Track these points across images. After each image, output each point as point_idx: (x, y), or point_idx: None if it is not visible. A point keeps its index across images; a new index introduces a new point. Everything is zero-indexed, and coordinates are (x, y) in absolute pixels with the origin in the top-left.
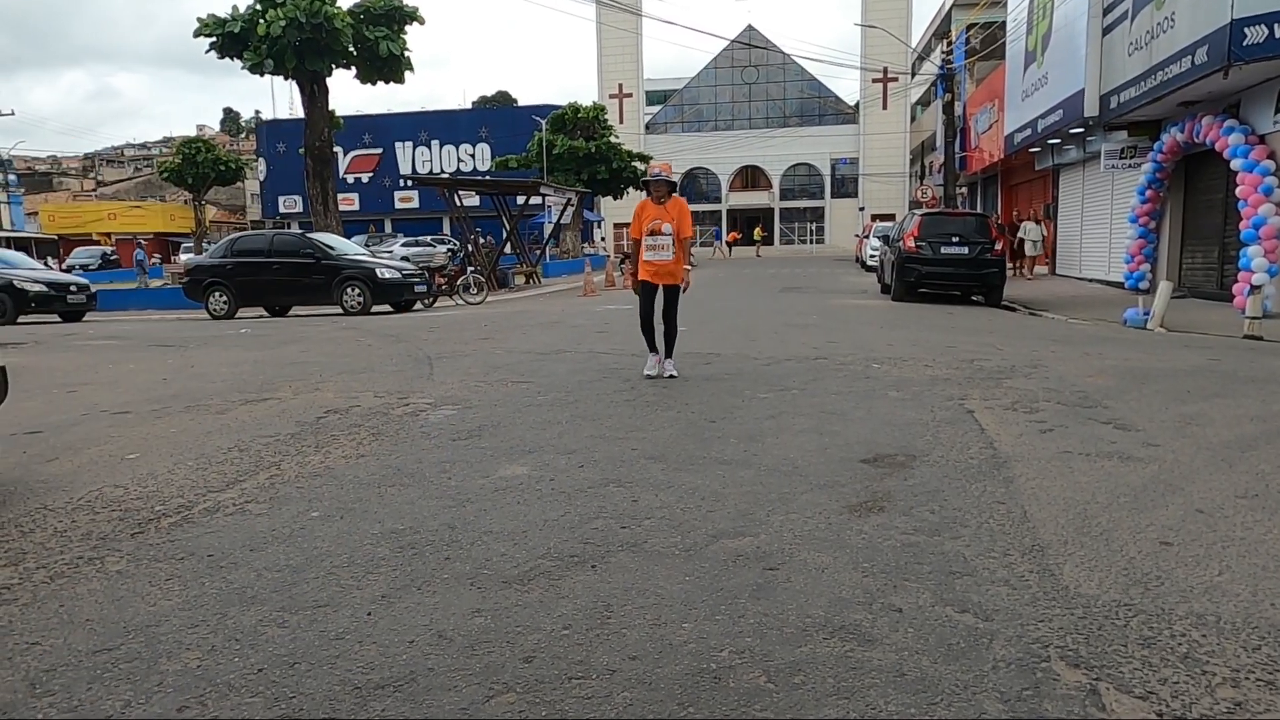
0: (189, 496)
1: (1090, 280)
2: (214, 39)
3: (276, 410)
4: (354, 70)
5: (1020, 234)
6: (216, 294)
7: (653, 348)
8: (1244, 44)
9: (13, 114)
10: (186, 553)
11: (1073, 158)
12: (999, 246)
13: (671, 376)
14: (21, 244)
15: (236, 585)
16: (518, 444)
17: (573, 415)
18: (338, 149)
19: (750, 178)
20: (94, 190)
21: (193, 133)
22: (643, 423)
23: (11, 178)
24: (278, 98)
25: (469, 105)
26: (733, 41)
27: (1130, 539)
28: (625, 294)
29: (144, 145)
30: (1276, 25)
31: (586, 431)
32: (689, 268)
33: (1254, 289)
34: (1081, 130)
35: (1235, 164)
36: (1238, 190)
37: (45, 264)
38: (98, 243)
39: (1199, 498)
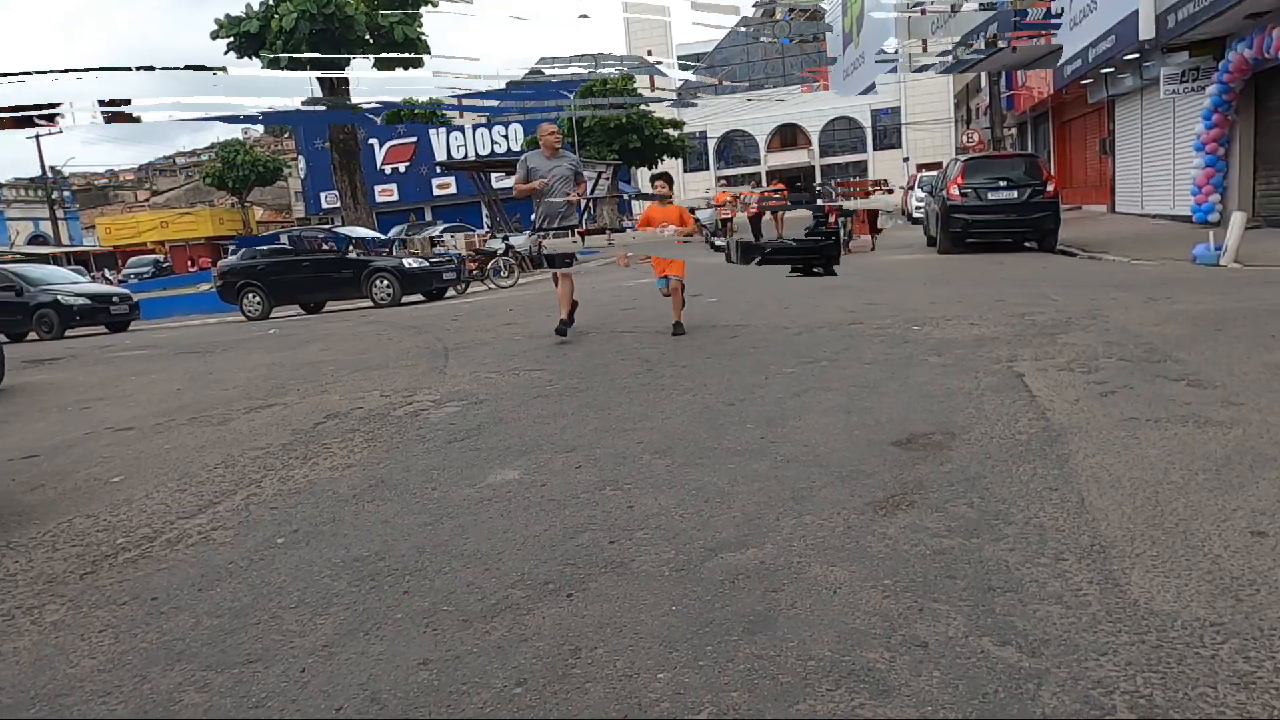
0: (157, 525)
1: (1153, 216)
2: (231, 39)
3: (277, 418)
4: (371, 59)
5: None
6: (250, 295)
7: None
8: None
9: (60, 132)
10: (131, 596)
11: (1128, 86)
12: (1051, 188)
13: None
14: (81, 257)
15: (170, 636)
16: (515, 443)
17: (580, 405)
18: (373, 140)
19: (789, 136)
20: (147, 200)
21: (238, 136)
22: (653, 410)
23: (67, 194)
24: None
25: (502, 86)
26: None
27: (1214, 530)
28: None
29: (193, 152)
30: None
31: (592, 424)
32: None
33: None
34: (1137, 55)
35: None
36: None
37: (104, 276)
38: (152, 252)
39: None
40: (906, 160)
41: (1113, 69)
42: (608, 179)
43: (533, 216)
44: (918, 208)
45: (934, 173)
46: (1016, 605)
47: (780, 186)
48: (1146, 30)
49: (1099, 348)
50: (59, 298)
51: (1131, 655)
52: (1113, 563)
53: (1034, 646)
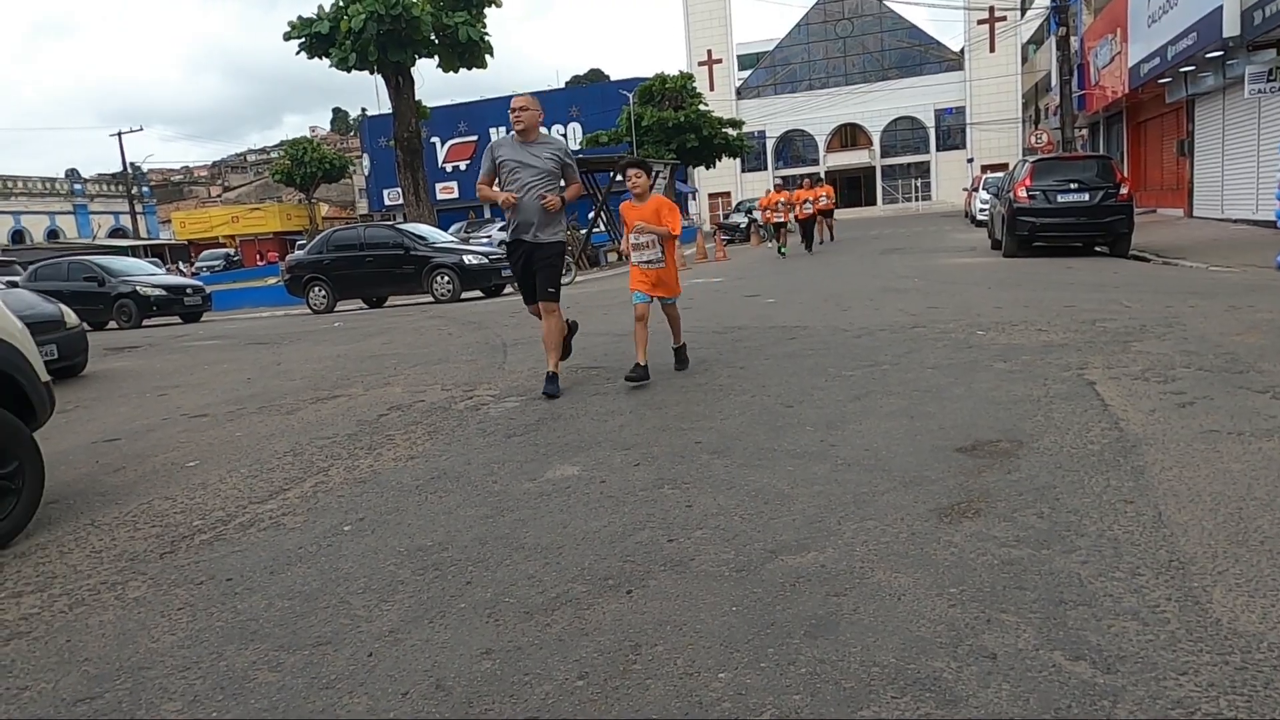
0: (230, 509)
1: (1235, 221)
2: (302, 40)
3: (343, 408)
4: (436, 59)
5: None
6: (316, 289)
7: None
8: None
9: (141, 129)
10: (207, 575)
11: (1210, 85)
12: (1124, 190)
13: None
14: (157, 250)
15: (244, 616)
16: (574, 439)
17: (637, 404)
18: (435, 139)
19: (849, 136)
20: (219, 195)
21: (306, 134)
22: (711, 410)
23: (145, 190)
24: (381, 94)
25: (561, 85)
26: None
27: None
28: (715, 266)
29: (264, 150)
30: None
31: (650, 422)
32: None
33: None
34: (1220, 53)
35: None
36: None
37: (178, 268)
38: (223, 245)
39: None
40: (971, 161)
41: (1193, 67)
42: (665, 178)
43: (504, 221)
44: (982, 210)
45: (1000, 174)
46: (1090, 620)
47: (823, 191)
48: (1231, 27)
49: (1176, 357)
50: (137, 288)
51: (1214, 676)
52: (1193, 580)
53: (1109, 663)
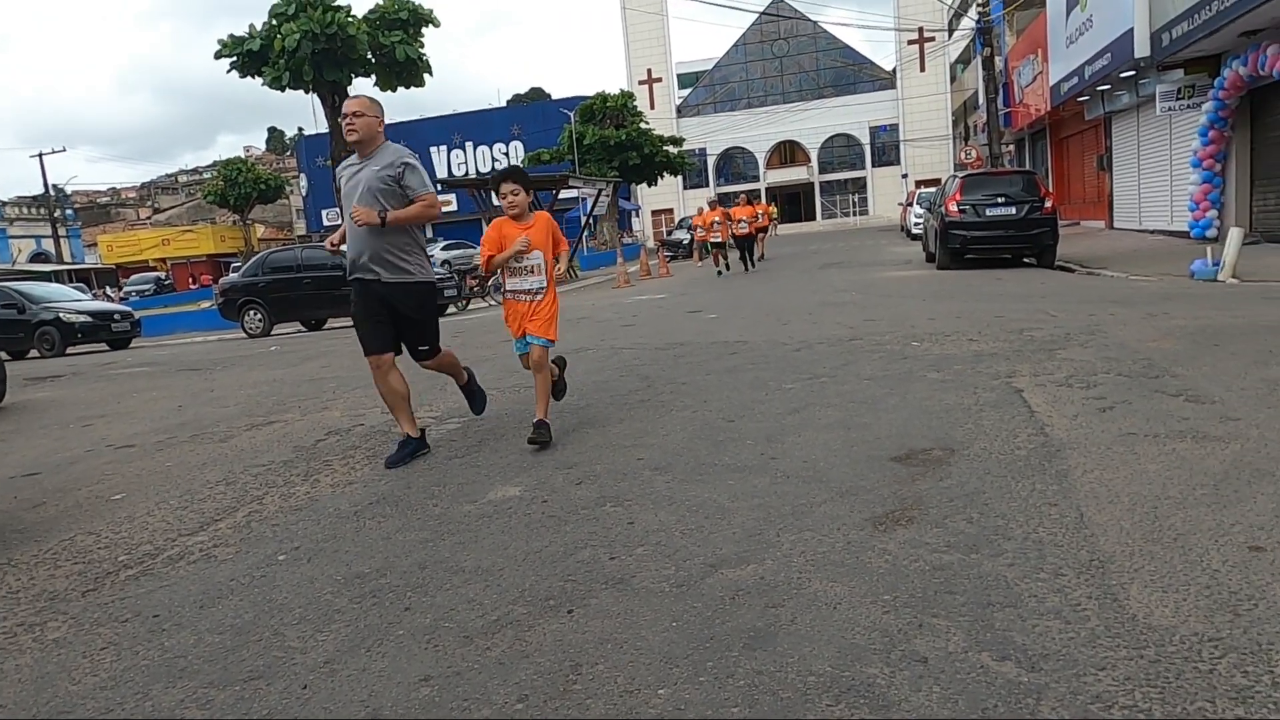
0: (158, 542)
1: (1151, 232)
2: (234, 59)
3: (279, 434)
4: (373, 78)
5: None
6: (251, 312)
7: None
8: None
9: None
10: (133, 613)
11: (1125, 103)
12: (1049, 204)
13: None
14: (82, 275)
15: (172, 653)
16: (516, 460)
17: (580, 421)
18: None
19: (787, 153)
20: (149, 218)
21: (241, 154)
22: (653, 426)
23: (69, 212)
24: (318, 112)
25: (503, 104)
26: (761, 14)
27: (1212, 544)
28: (658, 283)
29: (195, 170)
30: None
31: (592, 440)
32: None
33: None
34: (1133, 73)
35: None
36: None
37: (105, 293)
38: (153, 269)
39: None
40: (905, 177)
41: (1109, 86)
42: (608, 196)
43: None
44: (916, 224)
45: (933, 189)
46: (1016, 620)
47: (761, 208)
48: (1142, 48)
49: (1097, 363)
50: (60, 315)
51: (1130, 670)
52: (1111, 578)
53: (1033, 661)
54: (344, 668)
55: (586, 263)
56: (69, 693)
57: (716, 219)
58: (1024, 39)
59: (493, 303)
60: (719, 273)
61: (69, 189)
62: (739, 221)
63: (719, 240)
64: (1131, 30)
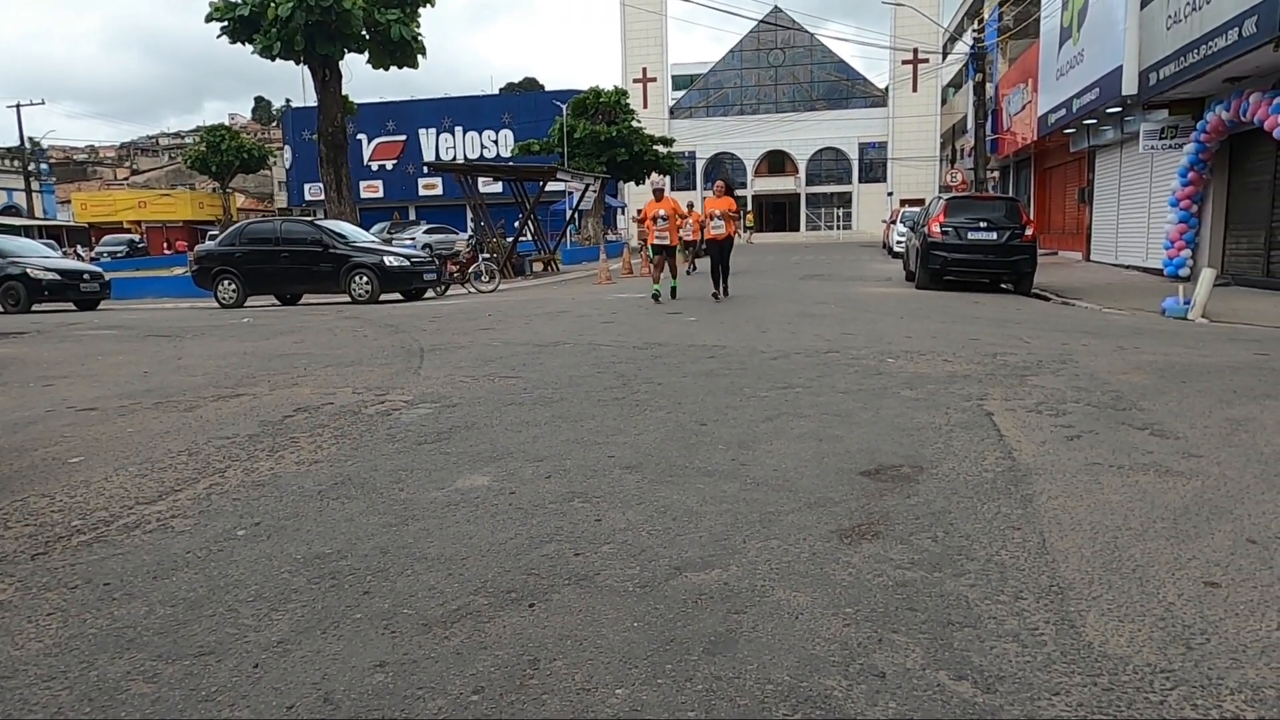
0: (114, 509)
1: (1127, 267)
2: (225, 23)
3: (246, 407)
4: (366, 55)
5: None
6: (225, 282)
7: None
8: None
9: (43, 103)
10: (83, 579)
11: (1109, 139)
12: (1029, 232)
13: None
14: (53, 232)
15: (121, 623)
16: (486, 449)
17: (553, 416)
18: (361, 136)
19: (776, 163)
20: (127, 179)
21: (226, 121)
22: (627, 425)
23: (44, 167)
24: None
25: (496, 92)
26: (760, 23)
27: (1169, 577)
28: (639, 282)
29: (178, 134)
30: None
31: (564, 435)
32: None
33: None
34: (1119, 110)
35: None
36: None
37: (75, 252)
38: (128, 231)
39: (1250, 523)
40: (890, 195)
41: (1095, 120)
42: (595, 191)
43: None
44: (899, 242)
45: (917, 209)
46: (974, 641)
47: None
48: (1130, 86)
49: (1068, 392)
50: (28, 270)
51: (1083, 696)
52: (1070, 604)
53: (989, 682)
54: (297, 648)
55: (569, 257)
56: (11, 657)
57: (662, 213)
58: (1015, 67)
59: (470, 290)
60: (687, 272)
61: (45, 143)
62: (712, 218)
63: (690, 239)
64: (1120, 68)
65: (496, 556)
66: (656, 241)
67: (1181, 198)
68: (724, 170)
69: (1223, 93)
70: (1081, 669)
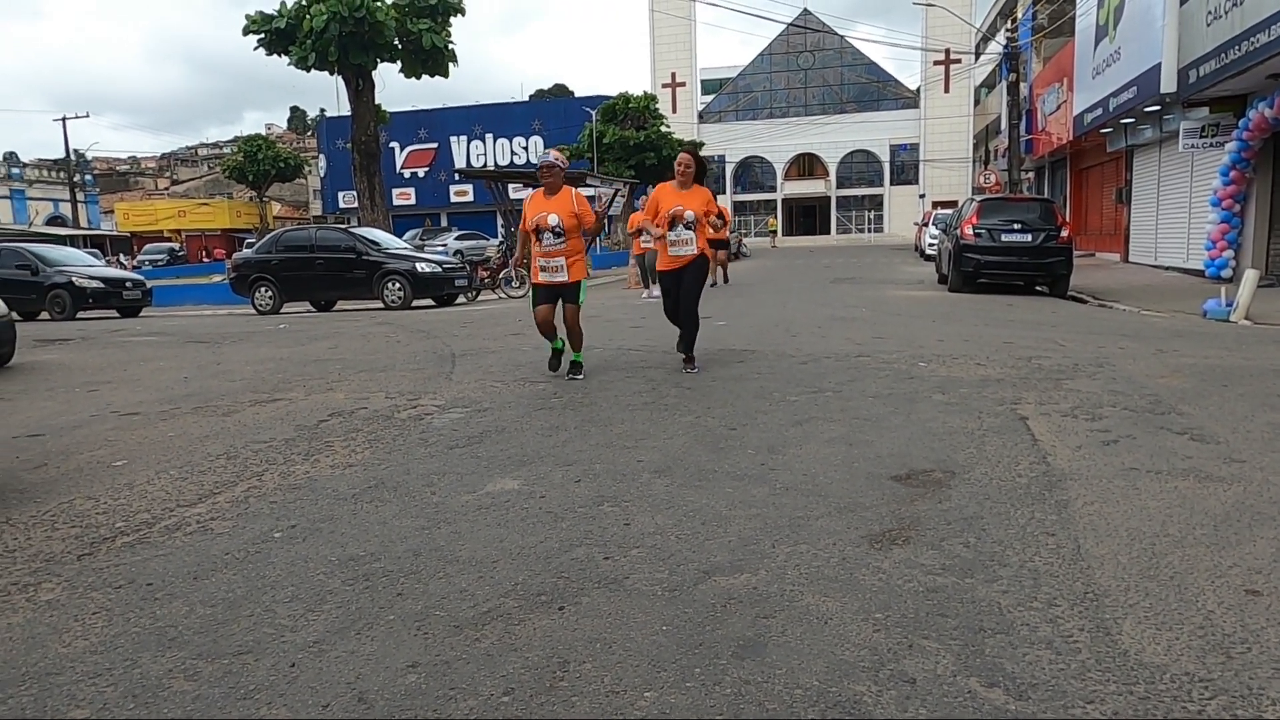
0: (156, 511)
1: (1167, 268)
2: (261, 36)
3: (282, 412)
4: (398, 64)
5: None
6: (262, 289)
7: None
8: None
9: (88, 115)
10: (127, 580)
11: (1148, 138)
12: (1065, 233)
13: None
14: (97, 241)
15: (164, 622)
16: (516, 453)
17: (583, 420)
18: (394, 144)
19: (806, 166)
20: (167, 189)
21: (262, 132)
22: (656, 429)
23: (88, 178)
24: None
25: (526, 99)
26: (789, 25)
27: (1208, 585)
28: None
29: (216, 144)
30: None
31: (593, 439)
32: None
33: None
34: (1158, 108)
35: None
36: None
37: (119, 260)
38: (168, 239)
39: None
40: (922, 197)
41: (1133, 120)
42: (624, 196)
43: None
44: (931, 245)
45: (949, 211)
46: (1007, 648)
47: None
48: (1169, 84)
49: (1104, 396)
50: (73, 279)
51: (1118, 705)
52: (1105, 612)
53: (1021, 690)
54: (332, 649)
55: (599, 262)
56: (59, 654)
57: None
58: (1050, 67)
59: (501, 295)
60: (711, 284)
61: (90, 155)
62: (675, 224)
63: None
64: (1159, 65)
65: (527, 560)
66: (644, 248)
67: (1223, 197)
68: (753, 173)
69: (1266, 89)
70: (1117, 677)
